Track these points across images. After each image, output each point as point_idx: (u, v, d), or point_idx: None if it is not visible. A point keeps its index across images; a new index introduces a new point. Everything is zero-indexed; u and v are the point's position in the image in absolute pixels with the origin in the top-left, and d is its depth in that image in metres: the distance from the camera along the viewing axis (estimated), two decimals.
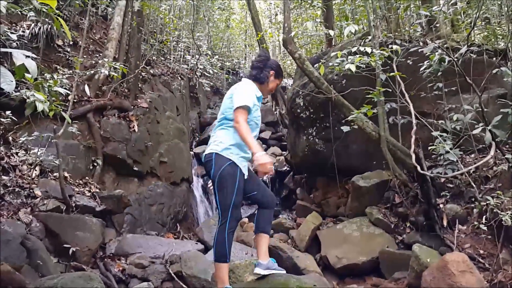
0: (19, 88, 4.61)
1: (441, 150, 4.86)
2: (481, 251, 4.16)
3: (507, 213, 3.79)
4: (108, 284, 4.12)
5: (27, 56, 2.32)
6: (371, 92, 4.94)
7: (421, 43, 6.02)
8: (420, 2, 6.72)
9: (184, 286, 4.19)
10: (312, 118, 7.19)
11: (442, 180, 5.11)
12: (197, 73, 12.14)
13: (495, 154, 4.75)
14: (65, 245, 4.10)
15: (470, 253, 4.14)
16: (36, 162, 4.88)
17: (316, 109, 7.06)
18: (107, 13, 8.92)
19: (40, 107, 3.46)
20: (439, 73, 4.93)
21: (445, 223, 4.64)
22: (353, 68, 4.44)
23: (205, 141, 10.62)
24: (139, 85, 7.75)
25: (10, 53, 2.40)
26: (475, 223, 4.37)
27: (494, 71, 4.61)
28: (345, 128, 5.36)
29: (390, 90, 5.23)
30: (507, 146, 5.05)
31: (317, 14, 9.71)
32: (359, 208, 5.90)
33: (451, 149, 4.83)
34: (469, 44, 4.77)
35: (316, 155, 7.19)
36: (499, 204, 4.10)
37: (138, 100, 7.24)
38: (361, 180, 5.94)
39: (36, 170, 4.88)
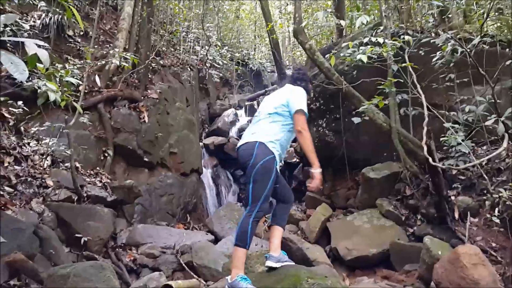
0: (30, 78, 4.62)
1: (453, 141, 4.79)
2: (493, 244, 4.11)
3: None
4: (119, 274, 4.16)
5: (39, 46, 2.30)
6: (382, 83, 4.87)
7: (433, 34, 5.92)
8: None
9: (195, 276, 4.20)
10: (322, 109, 7.12)
11: (454, 172, 5.04)
12: (206, 64, 12.10)
13: (508, 146, 4.67)
14: (77, 235, 4.13)
15: (482, 245, 4.09)
16: (48, 152, 4.91)
17: (326, 100, 7.00)
18: (117, 4, 8.89)
19: (52, 96, 3.47)
20: (451, 64, 4.85)
21: (456, 215, 4.59)
22: (364, 58, 4.37)
23: (214, 132, 10.61)
24: (149, 76, 7.74)
25: (22, 42, 2.39)
26: (487, 215, 4.32)
27: (507, 62, 4.51)
28: (356, 120, 5.30)
29: (402, 81, 5.15)
30: None
31: (328, 4, 9.60)
32: (369, 200, 5.86)
33: (463, 140, 4.76)
34: (482, 35, 4.67)
35: (326, 147, 7.13)
36: (511, 197, 4.03)
37: (148, 91, 7.24)
38: (372, 171, 5.89)
39: (47, 160, 4.91)
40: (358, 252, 4.98)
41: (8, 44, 4.83)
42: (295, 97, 3.14)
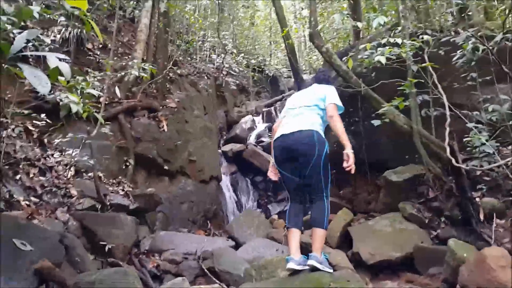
0: (52, 91, 4.79)
1: (477, 142, 4.73)
2: None
3: None
4: (143, 280, 4.25)
5: (60, 59, 2.41)
6: (402, 84, 4.85)
7: (452, 33, 5.86)
8: None
9: (217, 281, 4.26)
10: (340, 113, 7.11)
11: (478, 173, 4.96)
12: (223, 72, 12.25)
13: None
14: (101, 242, 4.24)
15: (509, 248, 4.01)
16: (71, 163, 5.06)
17: (344, 104, 6.90)
18: (134, 16, 9.12)
19: (74, 108, 3.60)
20: (473, 63, 4.79)
21: (482, 217, 4.51)
22: (383, 60, 4.37)
23: (232, 139, 10.69)
24: (167, 86, 7.90)
25: (44, 56, 2.50)
26: None
27: None
28: (375, 122, 5.28)
29: (422, 81, 5.12)
30: None
31: (344, 7, 9.62)
32: (391, 203, 5.81)
33: (487, 140, 4.69)
34: (504, 31, 4.61)
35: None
36: None
37: (167, 100, 7.39)
38: (394, 175, 5.85)
39: (71, 171, 5.06)
40: (381, 256, 4.94)
41: (30, 59, 5.02)
42: (332, 92, 3.58)
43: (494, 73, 5.08)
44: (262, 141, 12.54)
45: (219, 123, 11.44)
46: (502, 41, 4.99)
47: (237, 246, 5.76)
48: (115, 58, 7.35)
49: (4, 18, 2.62)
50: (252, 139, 10.74)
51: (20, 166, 4.38)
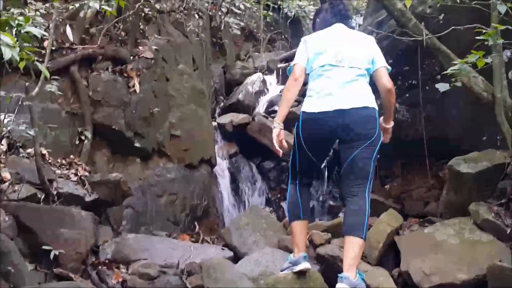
0: None
1: None
2: None
3: None
4: None
5: None
6: (483, 31, 4.77)
7: None
8: None
9: None
10: (391, 73, 7.04)
11: None
12: (222, 9, 12.10)
13: None
14: (44, 247, 4.26)
15: None
16: (3, 134, 5.05)
17: (397, 59, 6.92)
18: None
19: (7, 54, 3.54)
20: None
21: None
22: None
23: (233, 107, 10.67)
24: (141, 27, 7.83)
25: None
26: None
27: None
28: (442, 87, 5.23)
29: None
30: None
31: None
32: (458, 204, 5.81)
33: None
34: None
35: (396, 127, 7.01)
36: None
37: (140, 47, 7.33)
38: (463, 163, 5.81)
39: (2, 144, 5.06)
40: (440, 278, 4.95)
41: None
42: (378, 50, 4.06)
43: None
44: (276, 111, 12.43)
45: (215, 83, 11.38)
46: None
47: (236, 257, 5.80)
48: None
49: None
50: (261, 107, 10.71)
51: None
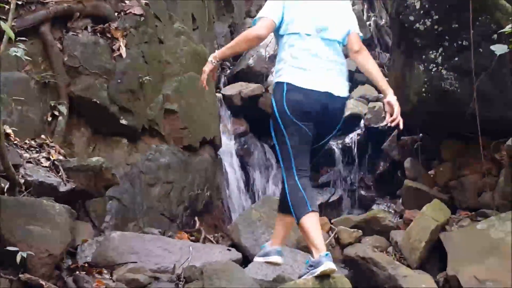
0: None
1: None
2: None
3: None
4: None
5: None
6: None
7: None
8: None
9: None
10: (437, 33, 6.99)
11: None
12: None
13: None
14: (10, 248, 4.23)
15: None
16: None
17: (444, 16, 6.85)
18: None
19: None
20: None
21: None
22: None
23: (241, 76, 10.62)
24: None
25: None
26: None
27: None
28: (499, 49, 5.16)
29: None
30: None
31: None
32: None
33: None
34: None
35: (443, 99, 7.01)
36: None
37: (126, 2, 7.28)
38: None
39: None
40: (496, 284, 4.95)
41: None
42: (354, 16, 4.56)
43: None
44: None
45: (220, 46, 11.31)
46: None
47: (245, 260, 5.81)
48: None
49: None
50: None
51: None
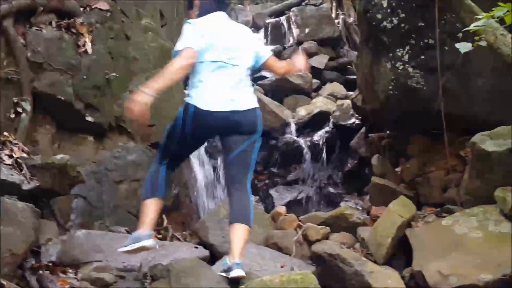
0: None
1: None
2: None
3: None
4: None
5: None
6: None
7: None
8: None
9: None
10: (402, 31, 7.11)
11: None
12: None
13: None
14: None
15: None
16: None
17: (410, 14, 6.98)
18: None
19: None
20: None
21: None
22: None
23: None
24: None
25: None
26: None
27: None
28: (463, 47, 5.24)
29: None
30: None
31: None
32: (483, 190, 5.88)
33: None
34: None
35: (410, 97, 7.11)
36: None
37: None
38: (489, 140, 5.87)
39: None
40: (460, 279, 4.99)
41: None
42: (257, 40, 5.30)
43: None
44: (265, 77, 12.45)
45: None
46: None
47: (213, 258, 5.81)
48: None
49: None
50: None
51: None
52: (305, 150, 10.46)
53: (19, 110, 6.17)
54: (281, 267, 5.49)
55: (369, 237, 6.21)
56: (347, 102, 10.45)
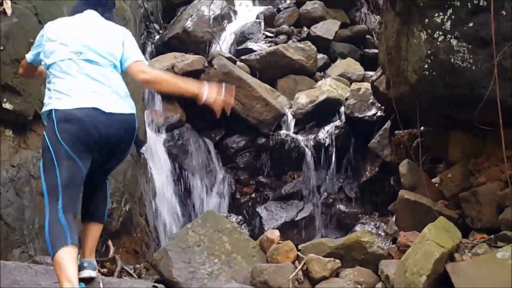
0: None
1: None
2: None
3: None
4: None
5: None
6: None
7: None
8: None
9: None
10: None
11: None
12: None
13: None
14: None
15: None
16: None
17: None
18: None
19: None
20: None
21: None
22: None
23: (175, 44, 10.68)
24: None
25: None
26: None
27: None
28: None
29: None
30: None
31: None
32: None
33: None
34: None
35: (453, 79, 7.04)
36: None
37: None
38: None
39: None
40: None
41: None
42: (132, 43, 5.53)
43: None
44: (252, 51, 12.42)
45: (144, 2, 11.35)
46: None
47: None
48: None
49: None
50: (224, 43, 10.87)
51: None
52: (307, 152, 10.38)
53: None
54: None
55: (396, 275, 6.12)
56: (365, 86, 10.38)
